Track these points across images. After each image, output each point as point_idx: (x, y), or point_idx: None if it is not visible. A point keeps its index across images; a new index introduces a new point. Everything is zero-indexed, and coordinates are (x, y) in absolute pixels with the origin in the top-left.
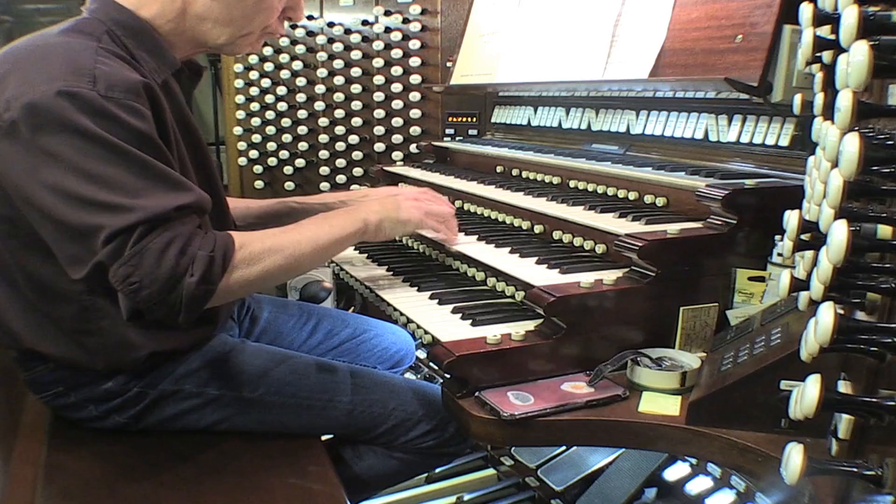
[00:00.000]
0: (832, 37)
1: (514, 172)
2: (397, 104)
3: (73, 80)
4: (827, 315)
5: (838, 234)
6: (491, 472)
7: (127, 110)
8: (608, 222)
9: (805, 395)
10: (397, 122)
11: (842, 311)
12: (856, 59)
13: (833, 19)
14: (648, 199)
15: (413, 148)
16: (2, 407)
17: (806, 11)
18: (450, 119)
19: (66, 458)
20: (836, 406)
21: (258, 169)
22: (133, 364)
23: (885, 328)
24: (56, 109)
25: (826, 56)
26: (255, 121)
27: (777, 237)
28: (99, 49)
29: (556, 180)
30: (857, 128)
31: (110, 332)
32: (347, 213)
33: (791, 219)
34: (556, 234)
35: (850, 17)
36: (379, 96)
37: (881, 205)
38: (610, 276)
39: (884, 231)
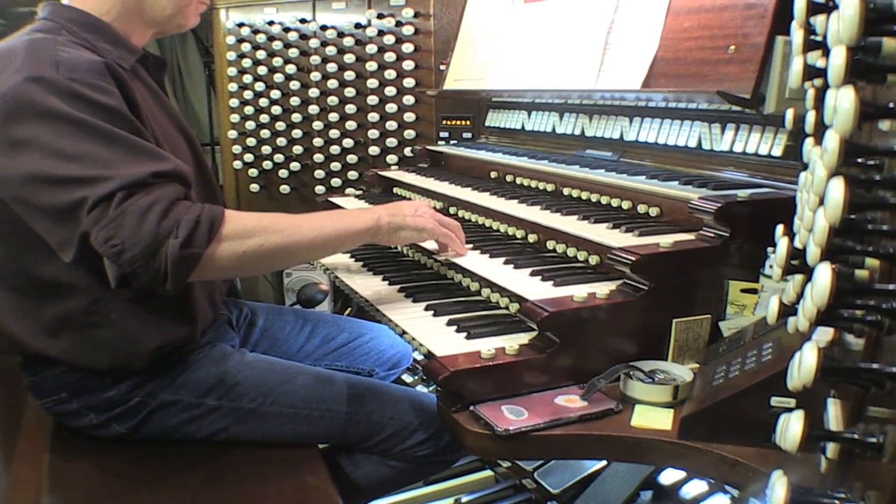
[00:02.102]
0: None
1: (509, 178)
2: (391, 107)
3: (38, 67)
4: (810, 355)
5: (822, 277)
6: (488, 473)
7: (92, 88)
8: (601, 234)
9: (788, 431)
10: (391, 125)
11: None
12: (842, 107)
13: (823, 46)
14: (642, 208)
15: (408, 151)
16: (3, 409)
17: (797, 37)
18: (444, 122)
19: (67, 467)
20: (819, 440)
21: (253, 172)
22: (138, 362)
23: (865, 368)
24: (25, 94)
25: (818, 79)
26: (250, 124)
27: (770, 249)
28: (59, 40)
29: (550, 187)
30: (842, 170)
31: (118, 324)
32: (363, 210)
33: (780, 245)
34: (550, 244)
35: (837, 57)
36: (373, 100)
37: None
38: (603, 289)
39: (870, 263)
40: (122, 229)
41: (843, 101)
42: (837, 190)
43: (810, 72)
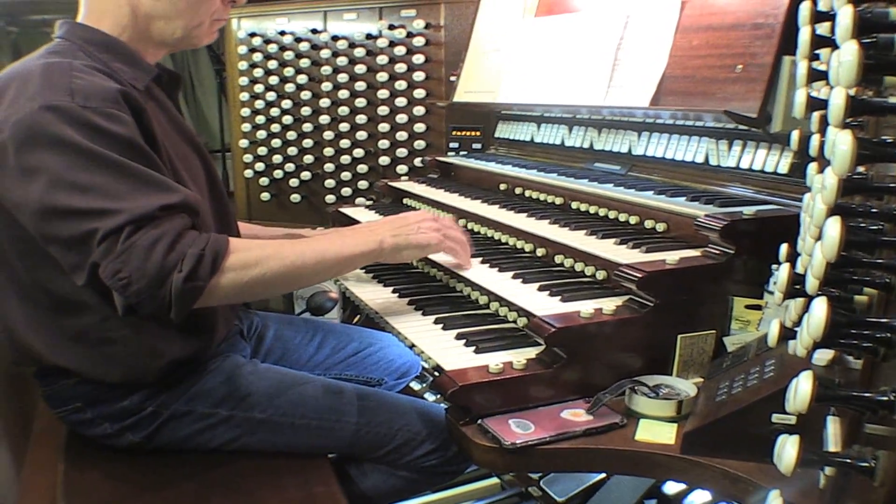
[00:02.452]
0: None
1: (518, 191)
2: (401, 118)
3: (52, 95)
4: (805, 384)
5: (818, 312)
6: (494, 481)
7: (106, 118)
8: (608, 250)
9: (784, 454)
10: (402, 135)
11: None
12: (840, 149)
13: (827, 77)
14: (649, 223)
15: (417, 161)
16: (14, 415)
17: (801, 68)
18: (454, 133)
19: (81, 476)
20: (813, 463)
21: (264, 181)
22: (153, 374)
23: (857, 396)
24: (40, 123)
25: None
26: (261, 133)
27: (774, 266)
28: (74, 65)
29: (558, 201)
30: (841, 202)
31: (132, 340)
32: (364, 232)
33: (782, 271)
34: (558, 259)
35: (837, 97)
36: (383, 110)
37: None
38: (609, 304)
39: (869, 290)
40: (128, 263)
41: (841, 144)
42: (834, 229)
43: (814, 104)
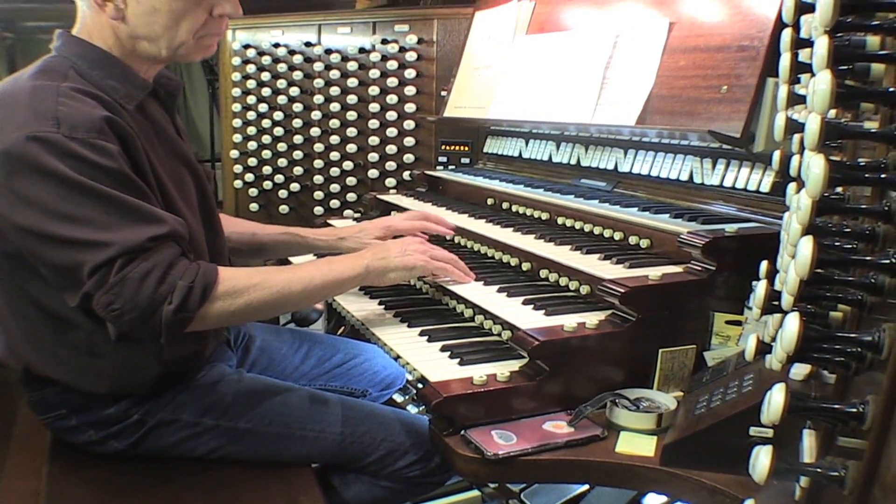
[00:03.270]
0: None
1: (505, 206)
2: (392, 131)
3: (38, 124)
4: (778, 396)
5: (790, 327)
6: (475, 493)
7: (91, 149)
8: (592, 265)
9: (758, 464)
10: (391, 149)
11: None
12: (813, 173)
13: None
14: (633, 239)
15: (406, 175)
16: None
17: (781, 92)
18: (443, 147)
19: (65, 482)
20: (787, 472)
21: (253, 192)
22: (140, 387)
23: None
24: (27, 154)
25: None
26: (252, 144)
27: (755, 282)
28: (60, 89)
29: (545, 216)
30: (815, 222)
31: (120, 354)
32: (351, 258)
33: (759, 288)
34: (543, 273)
35: (813, 123)
36: (374, 123)
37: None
38: (592, 318)
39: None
40: (120, 296)
41: (814, 168)
42: (807, 248)
43: (794, 126)
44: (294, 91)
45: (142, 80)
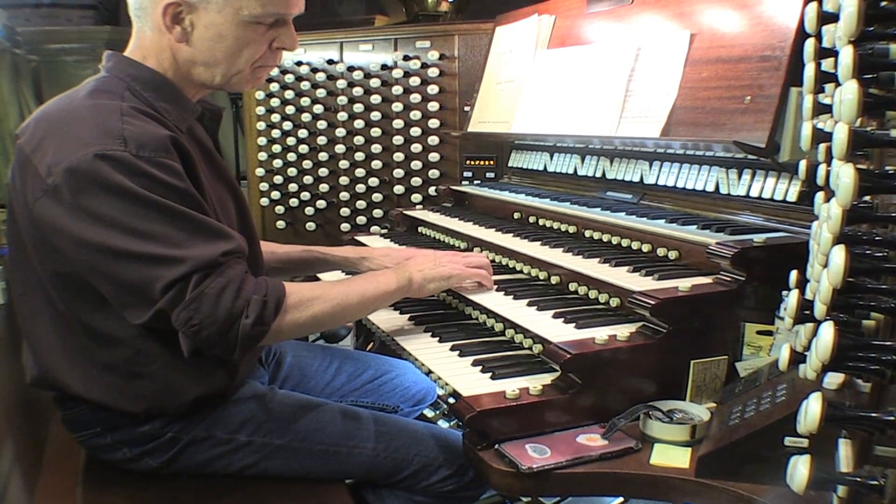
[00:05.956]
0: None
1: (531, 219)
2: (416, 147)
3: (106, 143)
4: (814, 405)
5: (825, 336)
6: None
7: (159, 167)
8: (621, 277)
9: (796, 473)
10: (416, 165)
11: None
12: (843, 181)
13: (830, 109)
14: (661, 251)
15: (432, 190)
16: (26, 440)
17: (806, 102)
18: (468, 162)
19: (99, 500)
20: (825, 482)
21: (280, 209)
22: (175, 410)
23: (865, 416)
24: (95, 172)
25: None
26: (277, 162)
27: (784, 292)
28: (123, 108)
29: (572, 229)
30: (846, 231)
31: (159, 375)
32: (393, 271)
33: (791, 297)
34: (573, 286)
35: (840, 132)
36: (398, 139)
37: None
38: (623, 331)
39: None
40: (199, 311)
41: (843, 177)
42: (839, 257)
43: (820, 135)
44: (318, 108)
45: (192, 103)
